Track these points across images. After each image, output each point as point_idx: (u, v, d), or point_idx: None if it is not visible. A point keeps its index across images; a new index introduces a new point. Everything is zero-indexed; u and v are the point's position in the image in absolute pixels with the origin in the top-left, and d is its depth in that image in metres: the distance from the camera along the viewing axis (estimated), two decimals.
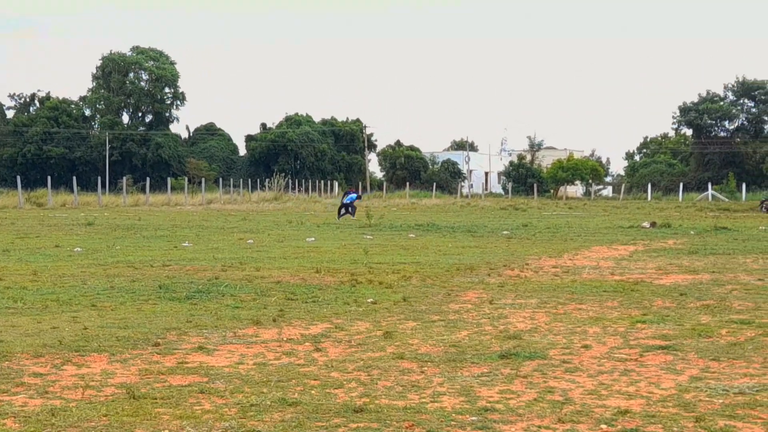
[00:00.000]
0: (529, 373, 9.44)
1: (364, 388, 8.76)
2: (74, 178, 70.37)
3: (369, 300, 14.91)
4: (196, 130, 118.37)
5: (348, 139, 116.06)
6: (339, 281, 17.52)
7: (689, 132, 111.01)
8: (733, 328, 12.18)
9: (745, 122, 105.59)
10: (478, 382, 9.02)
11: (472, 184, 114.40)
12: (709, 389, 8.67)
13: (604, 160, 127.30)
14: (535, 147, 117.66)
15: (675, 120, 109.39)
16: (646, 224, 39.84)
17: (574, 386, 8.85)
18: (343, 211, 46.64)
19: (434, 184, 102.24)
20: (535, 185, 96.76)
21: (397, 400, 8.28)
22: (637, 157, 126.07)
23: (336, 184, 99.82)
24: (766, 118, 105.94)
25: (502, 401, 8.23)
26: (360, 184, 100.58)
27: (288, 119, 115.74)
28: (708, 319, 13.01)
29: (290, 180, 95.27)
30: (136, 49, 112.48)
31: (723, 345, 10.99)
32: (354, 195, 49.92)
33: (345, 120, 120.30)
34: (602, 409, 7.94)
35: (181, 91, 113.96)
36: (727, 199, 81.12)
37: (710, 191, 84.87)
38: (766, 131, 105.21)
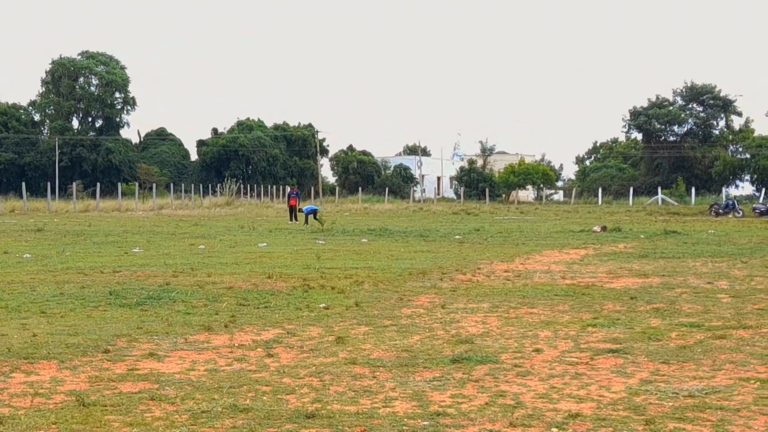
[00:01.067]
0: (481, 377, 9.47)
1: (316, 393, 8.75)
2: (23, 183, 69.70)
3: (321, 305, 14.89)
4: (147, 135, 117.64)
5: (300, 144, 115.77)
6: (291, 287, 17.49)
7: (639, 137, 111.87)
8: (682, 332, 12.28)
9: (694, 127, 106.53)
10: (430, 386, 9.03)
11: (424, 189, 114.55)
12: (659, 392, 8.73)
13: (555, 165, 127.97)
14: (486, 152, 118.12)
15: (625, 124, 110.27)
16: (596, 228, 40.09)
17: (525, 390, 8.88)
18: (310, 217, 46.11)
19: (387, 188, 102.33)
20: (487, 190, 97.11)
21: (349, 405, 8.27)
22: (587, 162, 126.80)
23: (288, 189, 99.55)
24: (714, 123, 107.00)
25: (454, 406, 8.24)
26: (312, 188, 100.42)
27: (240, 124, 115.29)
28: (658, 323, 13.12)
29: (242, 185, 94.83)
30: (85, 54, 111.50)
31: (672, 348, 11.08)
32: (315, 207, 49.73)
33: (297, 125, 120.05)
34: (553, 413, 7.98)
35: (131, 96, 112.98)
36: (676, 203, 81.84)
37: (660, 195, 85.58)
38: (714, 136, 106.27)
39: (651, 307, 14.83)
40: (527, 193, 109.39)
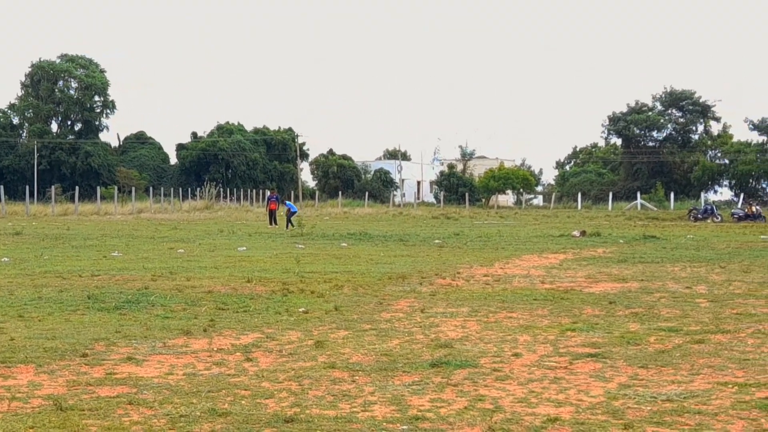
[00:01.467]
0: (460, 381, 9.47)
1: (294, 398, 8.73)
2: (1, 187, 69.33)
3: (300, 309, 14.86)
4: (127, 138, 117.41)
5: (280, 148, 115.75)
6: (270, 291, 17.45)
7: (619, 142, 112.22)
8: (661, 336, 12.32)
9: (673, 132, 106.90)
10: (409, 390, 9.02)
11: (404, 193, 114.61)
12: (637, 396, 8.75)
13: (535, 170, 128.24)
14: (466, 156, 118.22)
15: (604, 130, 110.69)
16: (576, 233, 40.19)
17: (504, 394, 8.88)
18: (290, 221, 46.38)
19: (367, 193, 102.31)
20: (466, 194, 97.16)
21: (327, 409, 8.26)
22: (567, 167, 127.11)
23: (268, 193, 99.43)
24: (693, 128, 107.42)
25: (433, 410, 8.24)
26: (292, 192, 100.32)
27: (219, 128, 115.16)
28: (636, 327, 13.15)
29: (221, 189, 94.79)
30: (65, 57, 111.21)
31: (651, 352, 11.10)
32: (295, 209, 49.86)
33: (277, 129, 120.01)
34: (532, 417, 7.99)
35: (111, 99, 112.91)
36: (655, 208, 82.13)
37: (639, 200, 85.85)
38: (693, 141, 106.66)
39: (630, 311, 14.87)
40: (507, 198, 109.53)
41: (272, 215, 49.52)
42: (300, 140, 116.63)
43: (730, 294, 17.38)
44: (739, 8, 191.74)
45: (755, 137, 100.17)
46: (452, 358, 10.63)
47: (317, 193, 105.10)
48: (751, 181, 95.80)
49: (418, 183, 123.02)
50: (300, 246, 31.51)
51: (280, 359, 10.70)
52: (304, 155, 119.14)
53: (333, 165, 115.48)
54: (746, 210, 60.76)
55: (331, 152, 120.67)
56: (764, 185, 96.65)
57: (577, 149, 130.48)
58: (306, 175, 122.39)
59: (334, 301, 15.88)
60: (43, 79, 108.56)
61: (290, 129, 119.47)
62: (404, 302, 16.06)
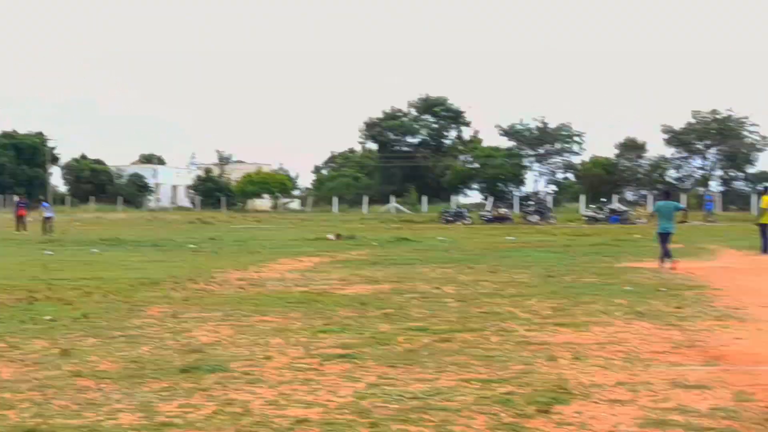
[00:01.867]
0: (210, 386, 9.39)
1: (37, 408, 8.46)
2: None
3: (47, 317, 14.40)
4: None
5: (30, 153, 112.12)
6: (15, 299, 16.82)
7: (375, 147, 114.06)
8: (410, 336, 12.57)
9: (426, 137, 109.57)
10: (157, 397, 8.89)
11: (159, 198, 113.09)
12: (384, 395, 8.90)
13: (292, 174, 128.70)
14: (224, 161, 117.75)
15: (361, 135, 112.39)
16: (331, 236, 40.64)
17: (254, 397, 8.87)
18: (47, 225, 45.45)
19: (121, 198, 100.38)
20: (224, 199, 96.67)
21: (72, 419, 8.04)
22: (324, 171, 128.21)
23: (16, 198, 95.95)
24: (446, 134, 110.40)
25: (181, 416, 8.15)
26: (44, 197, 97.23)
27: None
28: (387, 327, 13.38)
29: None
30: None
31: (400, 352, 11.32)
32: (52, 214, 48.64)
33: (27, 132, 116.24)
34: (281, 419, 8.01)
35: None
36: (409, 211, 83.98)
37: (393, 204, 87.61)
38: (446, 146, 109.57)
39: (381, 312, 15.11)
40: (264, 202, 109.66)
41: (20, 220, 48.04)
42: (51, 144, 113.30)
43: (477, 294, 17.93)
44: (489, 15, 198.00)
45: (504, 142, 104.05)
46: (203, 363, 10.54)
47: (69, 198, 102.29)
48: (499, 184, 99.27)
49: (174, 187, 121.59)
50: (48, 252, 30.62)
51: (23, 369, 10.34)
52: (55, 159, 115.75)
53: (85, 169, 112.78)
54: (494, 213, 63.00)
55: (83, 156, 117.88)
56: (512, 188, 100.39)
57: (335, 154, 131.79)
58: (57, 180, 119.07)
59: (83, 309, 15.46)
60: None
61: (41, 133, 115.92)
62: (156, 308, 15.80)
